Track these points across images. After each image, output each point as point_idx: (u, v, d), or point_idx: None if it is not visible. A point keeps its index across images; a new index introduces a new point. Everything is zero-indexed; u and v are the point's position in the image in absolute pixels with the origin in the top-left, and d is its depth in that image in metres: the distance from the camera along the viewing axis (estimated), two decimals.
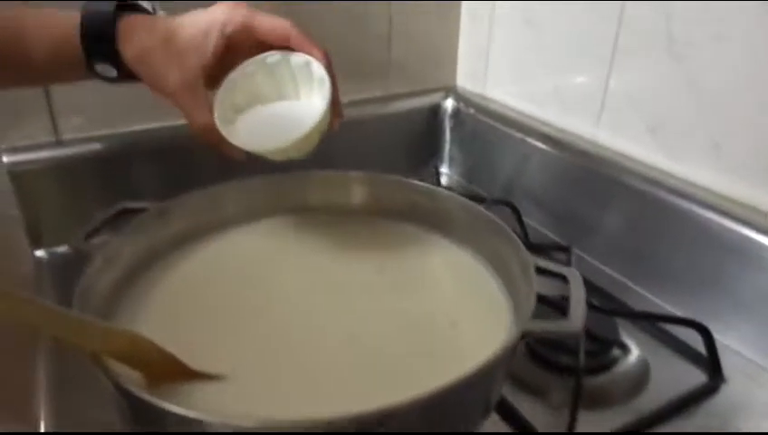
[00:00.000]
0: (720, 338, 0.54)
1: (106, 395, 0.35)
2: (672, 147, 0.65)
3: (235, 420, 0.30)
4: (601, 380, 0.52)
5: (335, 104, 0.49)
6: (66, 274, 0.47)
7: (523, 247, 0.42)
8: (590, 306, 0.57)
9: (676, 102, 0.64)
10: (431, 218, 0.54)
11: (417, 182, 0.54)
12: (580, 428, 0.46)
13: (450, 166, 0.95)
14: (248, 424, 0.29)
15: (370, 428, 0.30)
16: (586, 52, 0.73)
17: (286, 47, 0.50)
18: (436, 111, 0.94)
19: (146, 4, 0.52)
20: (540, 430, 0.46)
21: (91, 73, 0.50)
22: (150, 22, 0.49)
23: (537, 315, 0.37)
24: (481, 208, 0.48)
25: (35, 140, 0.71)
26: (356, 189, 0.56)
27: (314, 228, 0.55)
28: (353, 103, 0.82)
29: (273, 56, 0.50)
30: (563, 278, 0.40)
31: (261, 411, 0.32)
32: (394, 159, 0.91)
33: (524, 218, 0.74)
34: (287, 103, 0.51)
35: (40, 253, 0.71)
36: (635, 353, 0.55)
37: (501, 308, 0.44)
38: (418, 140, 0.94)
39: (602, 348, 0.53)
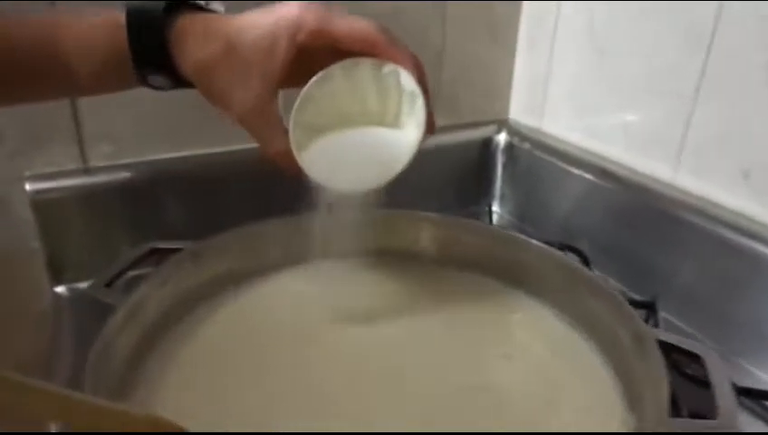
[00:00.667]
0: None
1: None
2: None
3: None
4: None
5: (427, 118, 0.41)
6: (88, 312, 0.41)
7: (636, 316, 0.34)
8: (684, 376, 0.48)
9: None
10: (512, 271, 0.46)
11: (497, 228, 0.47)
12: None
13: (501, 204, 0.87)
14: None
15: None
16: (665, 83, 0.65)
17: (369, 54, 0.41)
18: (487, 145, 0.87)
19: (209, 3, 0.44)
20: None
21: (144, 84, 0.44)
22: (205, 25, 0.42)
23: None
24: (578, 265, 0.41)
25: (61, 167, 0.65)
26: (423, 232, 0.49)
27: (371, 276, 0.48)
28: None
29: (354, 66, 0.42)
30: (694, 358, 0.32)
31: None
32: (442, 197, 0.84)
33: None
34: (373, 130, 0.44)
35: (60, 289, 0.65)
36: None
37: (606, 389, 0.36)
38: (468, 176, 0.87)
39: None
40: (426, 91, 0.41)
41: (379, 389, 0.38)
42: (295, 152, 0.41)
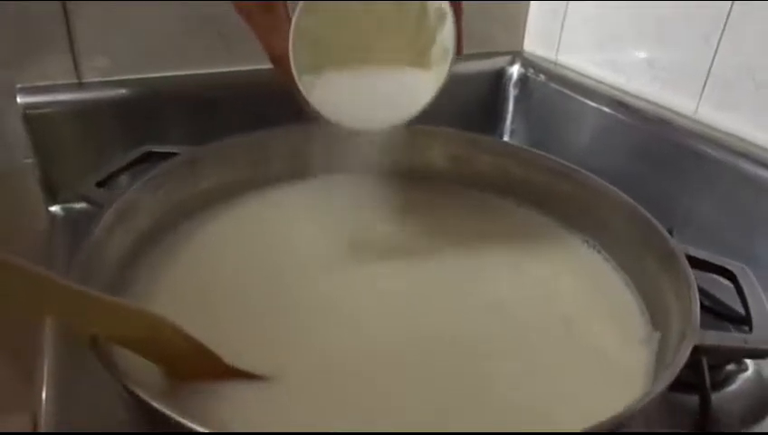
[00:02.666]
0: None
1: (115, 394, 0.27)
2: None
3: None
4: (722, 399, 0.41)
5: (458, 38, 0.37)
6: (83, 231, 0.38)
7: (665, 232, 0.32)
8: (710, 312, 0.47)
9: None
10: (532, 192, 0.43)
11: (512, 144, 0.44)
12: None
13: (513, 139, 0.84)
14: None
15: None
16: (694, 12, 0.61)
17: None
18: (500, 76, 0.83)
19: None
20: None
21: None
22: None
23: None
24: (602, 182, 0.38)
25: (55, 80, 0.62)
26: (442, 150, 0.46)
27: (380, 192, 0.45)
28: None
29: None
30: (729, 275, 0.30)
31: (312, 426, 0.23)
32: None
33: None
34: (390, 69, 0.39)
35: (55, 208, 0.63)
36: (750, 368, 0.45)
37: (628, 307, 0.34)
38: (479, 109, 0.84)
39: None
40: (457, 10, 0.36)
41: (387, 305, 0.36)
42: (297, 79, 0.37)
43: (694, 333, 0.26)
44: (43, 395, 0.38)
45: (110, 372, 0.24)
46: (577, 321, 0.34)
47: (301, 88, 0.37)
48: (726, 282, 0.33)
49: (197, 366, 0.28)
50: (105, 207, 0.33)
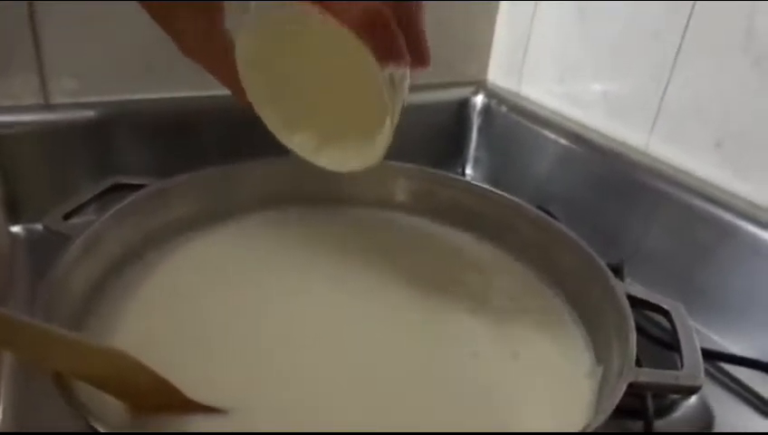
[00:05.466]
0: None
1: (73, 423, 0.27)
2: (740, 164, 0.58)
3: None
4: (666, 425, 0.44)
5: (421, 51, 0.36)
6: (45, 255, 0.38)
7: (607, 270, 0.34)
8: (645, 335, 0.49)
9: (748, 115, 0.56)
10: (483, 224, 0.45)
11: (470, 181, 0.46)
12: None
13: (475, 168, 0.87)
14: None
15: None
16: (645, 51, 0.65)
17: None
18: (464, 106, 0.86)
19: None
20: None
21: None
22: None
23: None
24: (552, 220, 0.40)
25: (21, 101, 0.62)
26: (398, 183, 0.48)
27: (341, 224, 0.47)
28: None
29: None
30: (663, 312, 0.32)
31: None
32: (415, 159, 0.82)
33: None
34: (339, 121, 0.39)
35: (16, 229, 0.62)
36: (694, 396, 0.48)
37: (574, 341, 0.36)
38: (443, 138, 0.86)
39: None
40: (413, 29, 0.35)
41: (344, 336, 0.37)
42: (253, 100, 0.37)
43: (629, 371, 0.28)
44: None
45: (74, 407, 0.25)
46: (525, 354, 0.36)
47: (267, 124, 0.38)
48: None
49: (159, 400, 0.29)
50: (72, 240, 0.33)
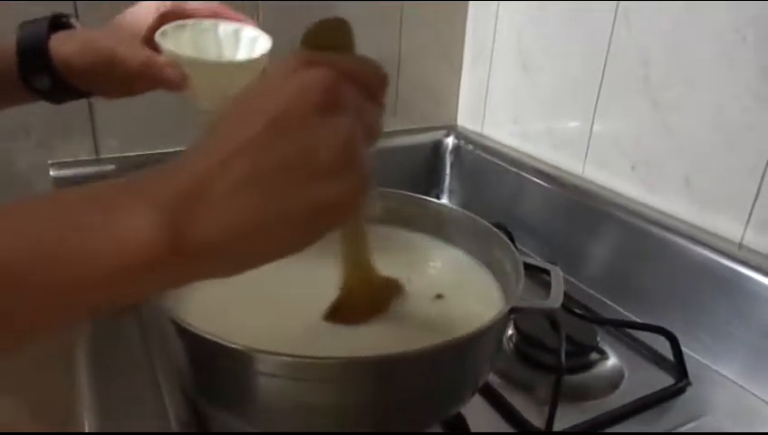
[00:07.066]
0: (687, 350, 0.61)
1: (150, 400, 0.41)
2: (650, 182, 0.73)
3: None
4: (580, 379, 0.58)
5: None
6: None
7: (513, 248, 0.49)
8: (572, 314, 0.64)
9: (652, 142, 0.72)
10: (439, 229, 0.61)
11: (433, 200, 0.62)
12: (559, 419, 0.52)
13: (450, 197, 1.02)
14: None
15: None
16: (574, 96, 0.81)
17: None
18: (438, 146, 1.02)
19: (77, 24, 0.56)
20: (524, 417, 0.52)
21: (27, 87, 0.52)
22: (86, 30, 0.54)
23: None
24: (479, 218, 0.55)
25: (78, 156, 0.78)
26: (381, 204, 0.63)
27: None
28: None
29: (201, 22, 0.53)
30: (547, 273, 0.47)
31: None
32: (399, 189, 0.98)
33: (518, 246, 0.81)
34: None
35: None
36: (611, 358, 0.62)
37: (491, 291, 0.51)
38: (421, 173, 1.02)
39: (582, 351, 0.60)
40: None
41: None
42: (157, 37, 0.51)
43: (516, 300, 0.43)
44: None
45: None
46: (466, 288, 0.52)
47: (162, 46, 0.52)
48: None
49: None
50: None
